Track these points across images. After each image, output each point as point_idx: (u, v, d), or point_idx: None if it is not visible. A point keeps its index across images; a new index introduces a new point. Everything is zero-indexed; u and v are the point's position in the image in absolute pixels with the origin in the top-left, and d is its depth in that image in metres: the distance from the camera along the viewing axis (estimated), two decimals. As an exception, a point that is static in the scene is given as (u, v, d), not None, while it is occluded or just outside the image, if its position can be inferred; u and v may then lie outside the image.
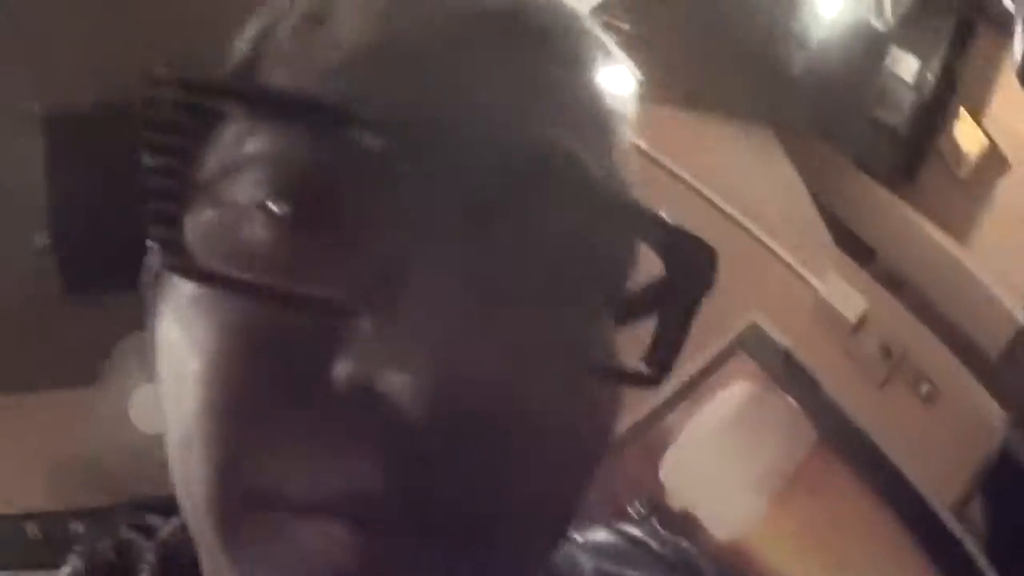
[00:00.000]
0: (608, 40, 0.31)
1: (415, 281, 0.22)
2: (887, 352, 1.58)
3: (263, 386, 0.24)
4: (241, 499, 0.24)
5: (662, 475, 1.44)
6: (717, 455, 1.48)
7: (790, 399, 1.50)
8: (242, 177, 0.25)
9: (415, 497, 0.23)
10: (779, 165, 1.60)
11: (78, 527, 1.36)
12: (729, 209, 1.48)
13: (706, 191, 1.45)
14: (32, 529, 1.37)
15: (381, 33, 0.26)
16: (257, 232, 0.24)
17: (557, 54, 0.28)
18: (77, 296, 1.32)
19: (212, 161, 0.26)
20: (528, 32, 0.27)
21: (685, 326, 0.26)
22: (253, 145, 0.25)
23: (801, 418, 1.50)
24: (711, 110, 1.49)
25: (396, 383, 0.21)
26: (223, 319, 0.24)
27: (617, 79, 0.30)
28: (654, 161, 1.37)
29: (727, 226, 1.48)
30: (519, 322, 0.24)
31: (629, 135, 0.30)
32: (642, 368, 0.26)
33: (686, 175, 1.42)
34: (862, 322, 1.57)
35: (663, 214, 0.25)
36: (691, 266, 0.25)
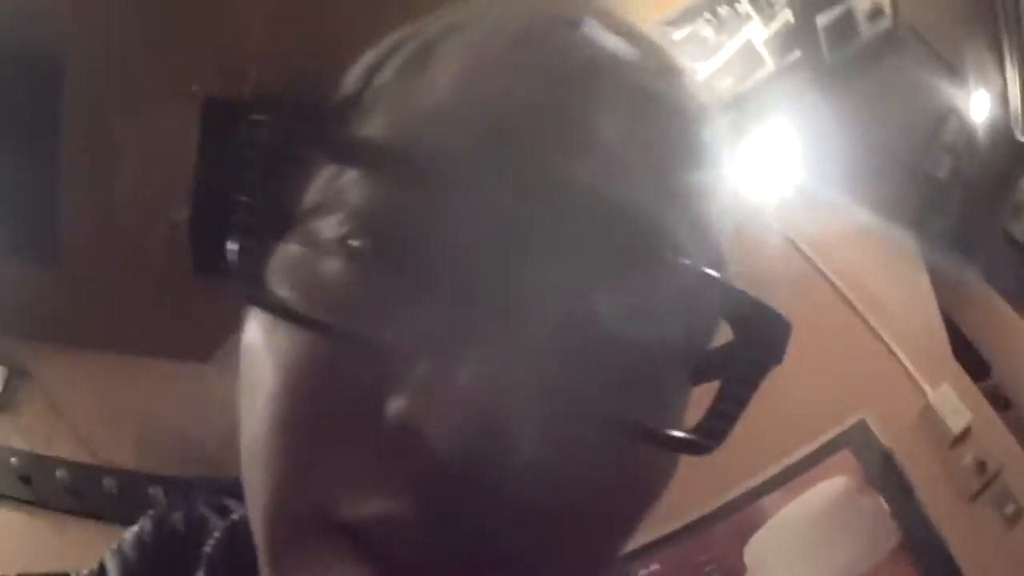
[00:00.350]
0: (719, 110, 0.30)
1: (478, 337, 0.23)
2: (982, 468, 1.57)
3: (325, 412, 0.25)
4: (292, 513, 0.25)
5: (746, 554, 1.45)
6: (802, 543, 1.48)
7: (882, 500, 1.50)
8: (329, 215, 0.26)
9: (441, 539, 0.23)
10: (913, 269, 1.59)
11: (157, 492, 1.38)
12: (858, 304, 1.48)
13: (840, 284, 1.46)
14: (109, 483, 1.40)
15: (473, 89, 0.26)
16: (335, 267, 0.25)
17: (653, 120, 0.27)
18: (203, 274, 1.35)
19: (307, 198, 0.27)
20: (628, 96, 0.27)
21: (746, 398, 0.25)
22: (341, 186, 0.26)
23: (888, 520, 1.50)
24: (853, 204, 1.49)
25: (440, 430, 0.22)
26: (296, 344, 0.25)
27: (725, 151, 0.30)
28: (796, 248, 1.38)
29: (854, 321, 1.48)
30: (576, 392, 0.24)
31: (738, 211, 0.30)
32: (693, 437, 0.25)
33: (824, 266, 1.42)
34: (964, 435, 1.56)
35: (743, 289, 0.25)
36: (764, 339, 0.25)
